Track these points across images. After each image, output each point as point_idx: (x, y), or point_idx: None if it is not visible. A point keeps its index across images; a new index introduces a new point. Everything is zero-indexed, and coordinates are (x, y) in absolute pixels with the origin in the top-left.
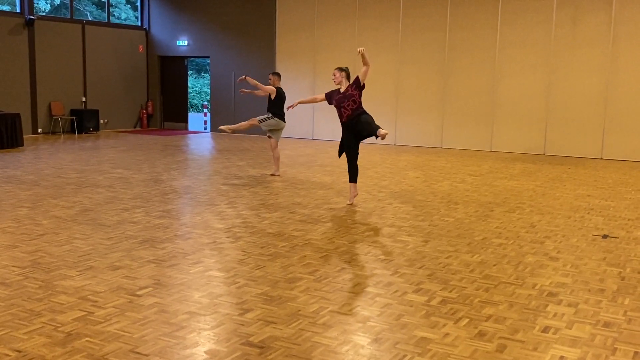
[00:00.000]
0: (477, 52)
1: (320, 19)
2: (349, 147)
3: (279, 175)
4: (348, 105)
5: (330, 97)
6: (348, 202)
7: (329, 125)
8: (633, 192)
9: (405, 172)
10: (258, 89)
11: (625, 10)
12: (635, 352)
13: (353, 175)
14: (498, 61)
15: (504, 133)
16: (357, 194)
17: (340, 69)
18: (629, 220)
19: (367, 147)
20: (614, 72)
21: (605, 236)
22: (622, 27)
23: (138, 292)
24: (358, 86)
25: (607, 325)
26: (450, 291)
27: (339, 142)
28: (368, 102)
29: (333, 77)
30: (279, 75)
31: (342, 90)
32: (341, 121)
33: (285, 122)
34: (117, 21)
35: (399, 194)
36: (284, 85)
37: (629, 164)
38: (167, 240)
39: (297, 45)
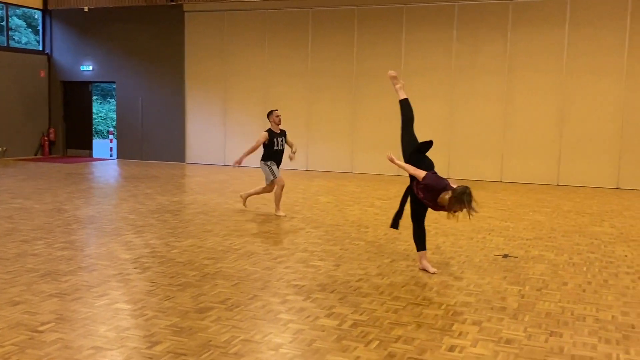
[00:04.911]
0: (383, 79)
1: (230, 45)
2: (421, 215)
3: (284, 216)
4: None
5: (435, 186)
6: (432, 272)
7: (241, 151)
8: (530, 213)
9: (317, 197)
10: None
11: (519, 42)
12: None
13: (423, 243)
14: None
15: None
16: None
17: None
18: (527, 240)
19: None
20: (510, 100)
21: (505, 256)
22: (517, 57)
23: (39, 328)
24: None
25: (508, 342)
26: (361, 314)
27: (397, 213)
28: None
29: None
30: (269, 112)
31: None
32: (417, 195)
33: (270, 159)
34: (17, 45)
35: (311, 218)
36: (193, 112)
37: (527, 186)
38: (70, 273)
39: (207, 70)
